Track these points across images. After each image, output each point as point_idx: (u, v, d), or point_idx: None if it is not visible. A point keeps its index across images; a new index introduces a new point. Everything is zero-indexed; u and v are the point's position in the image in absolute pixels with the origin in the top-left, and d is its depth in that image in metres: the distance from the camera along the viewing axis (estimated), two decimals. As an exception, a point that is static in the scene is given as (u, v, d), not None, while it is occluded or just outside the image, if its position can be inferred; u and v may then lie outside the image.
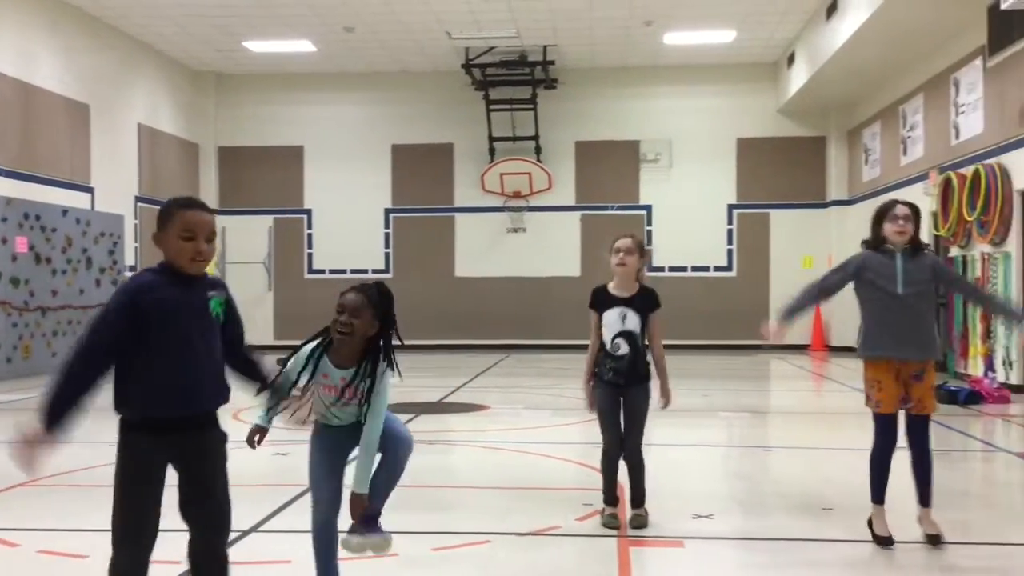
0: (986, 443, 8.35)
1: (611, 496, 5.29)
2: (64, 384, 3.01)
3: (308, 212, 20.41)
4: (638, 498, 5.26)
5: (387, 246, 20.27)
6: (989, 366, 12.17)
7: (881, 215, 4.89)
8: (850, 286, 4.99)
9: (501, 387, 12.92)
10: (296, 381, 3.68)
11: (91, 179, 16.01)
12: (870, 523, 4.91)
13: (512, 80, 19.04)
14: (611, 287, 5.23)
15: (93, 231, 15.77)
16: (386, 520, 3.82)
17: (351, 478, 3.72)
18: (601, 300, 5.22)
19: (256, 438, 3.74)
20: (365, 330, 3.65)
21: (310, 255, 20.36)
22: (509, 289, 19.95)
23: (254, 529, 5.15)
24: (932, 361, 4.87)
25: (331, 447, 3.79)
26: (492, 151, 19.69)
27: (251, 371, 3.47)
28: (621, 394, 5.18)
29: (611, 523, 5.16)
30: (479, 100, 19.36)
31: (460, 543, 4.92)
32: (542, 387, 12.64)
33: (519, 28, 16.75)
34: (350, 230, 20.20)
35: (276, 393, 3.61)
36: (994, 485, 6.97)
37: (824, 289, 5.04)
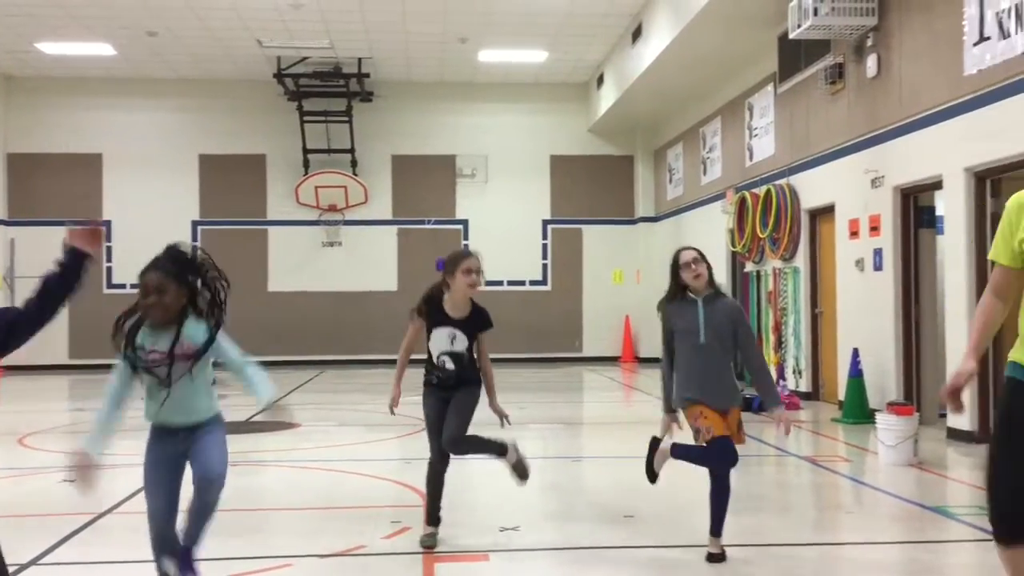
0: (778, 448, 8.84)
1: (433, 515, 5.15)
2: None
3: (107, 223, 19.29)
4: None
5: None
6: (780, 375, 12.91)
7: (675, 266, 4.95)
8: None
9: (314, 404, 12.63)
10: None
11: None
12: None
13: (327, 92, 18.74)
14: (447, 304, 5.08)
15: None
16: (176, 548, 3.63)
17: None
18: (434, 314, 5.08)
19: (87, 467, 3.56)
20: (177, 301, 3.56)
21: (109, 268, 19.24)
22: (324, 304, 19.57)
23: (34, 562, 4.76)
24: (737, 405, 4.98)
25: (163, 458, 3.71)
26: (307, 163, 19.30)
27: None
28: (448, 398, 5.09)
29: (429, 542, 5.06)
30: (292, 111, 18.94)
31: (260, 568, 4.73)
32: (356, 403, 12.45)
33: (333, 39, 16.51)
34: (153, 243, 18.75)
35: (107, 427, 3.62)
36: (785, 488, 7.38)
37: (670, 359, 4.99)
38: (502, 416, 5.19)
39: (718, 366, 4.83)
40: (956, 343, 8.83)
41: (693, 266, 4.84)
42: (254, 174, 19.53)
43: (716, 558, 4.80)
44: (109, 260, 19.22)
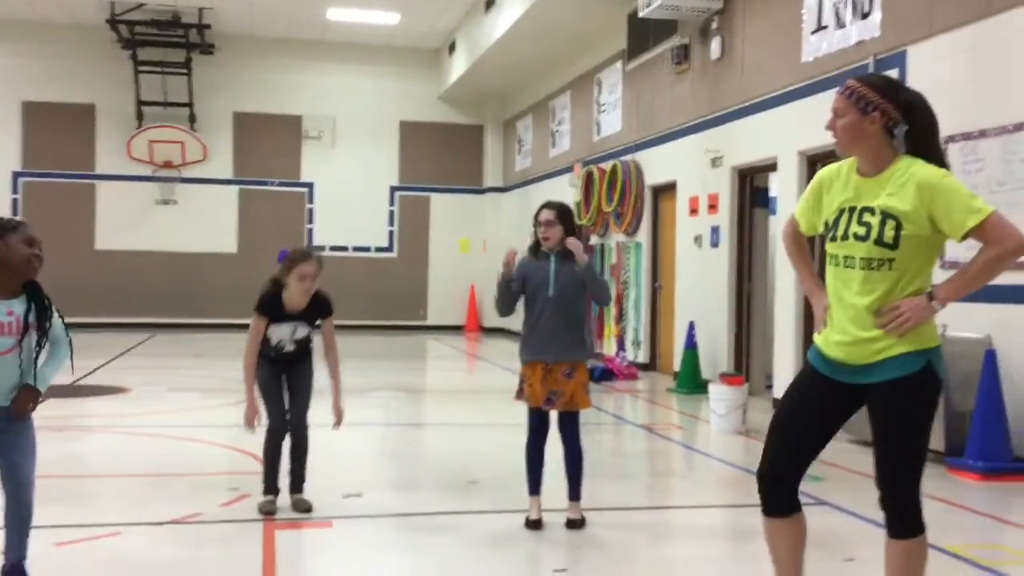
0: (617, 416, 9.09)
1: (271, 484, 5.03)
2: None
3: (-84, 171, 17.84)
4: (298, 482, 5.09)
5: (15, 213, 18.20)
6: (621, 346, 13.30)
7: (533, 220, 4.96)
8: None
9: (145, 368, 12.10)
10: None
11: None
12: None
13: (164, 41, 17.87)
14: (285, 299, 4.96)
15: None
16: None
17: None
18: (272, 311, 4.96)
19: None
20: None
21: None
22: (157, 264, 18.73)
23: None
24: (582, 361, 4.96)
25: None
26: (140, 116, 18.34)
27: None
28: (284, 371, 5.03)
29: (268, 508, 4.94)
30: (126, 60, 17.95)
31: (87, 536, 4.49)
32: (191, 368, 12.00)
33: (173, -14, 15.72)
34: (-31, 194, 17.88)
35: None
36: (622, 455, 7.60)
37: (504, 296, 4.89)
38: (339, 416, 5.04)
39: (565, 319, 4.83)
40: (784, 318, 9.29)
41: (544, 228, 4.86)
42: (82, 125, 18.43)
43: (572, 523, 4.84)
44: (-83, 210, 17.77)
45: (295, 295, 4.94)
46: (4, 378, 3.45)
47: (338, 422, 5.06)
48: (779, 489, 3.20)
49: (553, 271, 4.84)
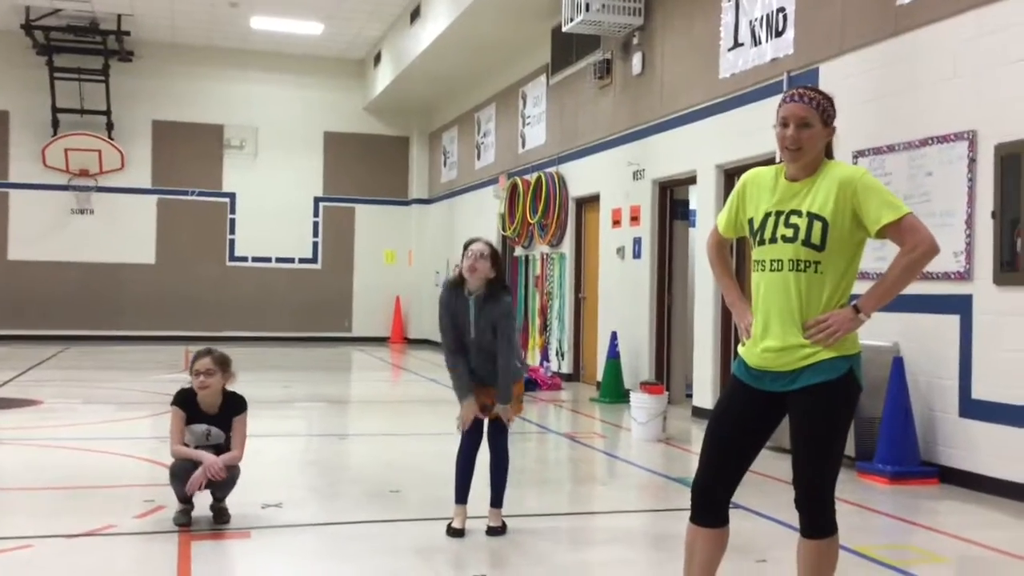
0: (540, 426, 9.15)
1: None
2: None
3: None
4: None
5: (-79, 222, 17.61)
6: (545, 356, 13.38)
7: (463, 250, 4.84)
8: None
9: (58, 380, 11.76)
10: None
11: None
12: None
13: (81, 48, 17.45)
14: (200, 401, 4.94)
15: None
16: None
17: None
18: (187, 408, 4.94)
19: None
20: None
21: None
22: (72, 275, 18.23)
23: None
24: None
25: None
26: (56, 123, 17.87)
27: None
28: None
29: (181, 520, 4.85)
30: (41, 66, 17.48)
31: (-5, 551, 4.36)
32: (107, 380, 11.70)
33: (91, -9, 15.39)
34: None
35: None
36: (545, 463, 7.66)
37: (445, 342, 4.89)
38: (214, 467, 4.83)
39: (489, 353, 4.82)
40: (703, 328, 9.48)
41: (472, 261, 4.71)
42: (-5, 132, 17.88)
43: (492, 531, 4.86)
44: None
45: (203, 396, 4.94)
46: None
47: (214, 470, 4.81)
48: (711, 501, 3.26)
49: (473, 317, 4.79)
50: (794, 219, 3.11)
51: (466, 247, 4.81)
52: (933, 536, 5.18)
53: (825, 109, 3.15)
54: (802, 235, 3.08)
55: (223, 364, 4.98)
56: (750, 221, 3.26)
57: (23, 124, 17.99)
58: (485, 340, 4.80)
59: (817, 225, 3.07)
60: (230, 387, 5.06)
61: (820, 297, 3.10)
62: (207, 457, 4.81)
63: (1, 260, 17.93)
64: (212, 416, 4.98)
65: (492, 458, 4.97)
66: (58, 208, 18.23)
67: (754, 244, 3.23)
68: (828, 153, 3.21)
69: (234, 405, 5.04)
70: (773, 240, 3.14)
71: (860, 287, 3.19)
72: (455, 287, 4.85)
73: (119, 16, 16.75)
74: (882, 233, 3.08)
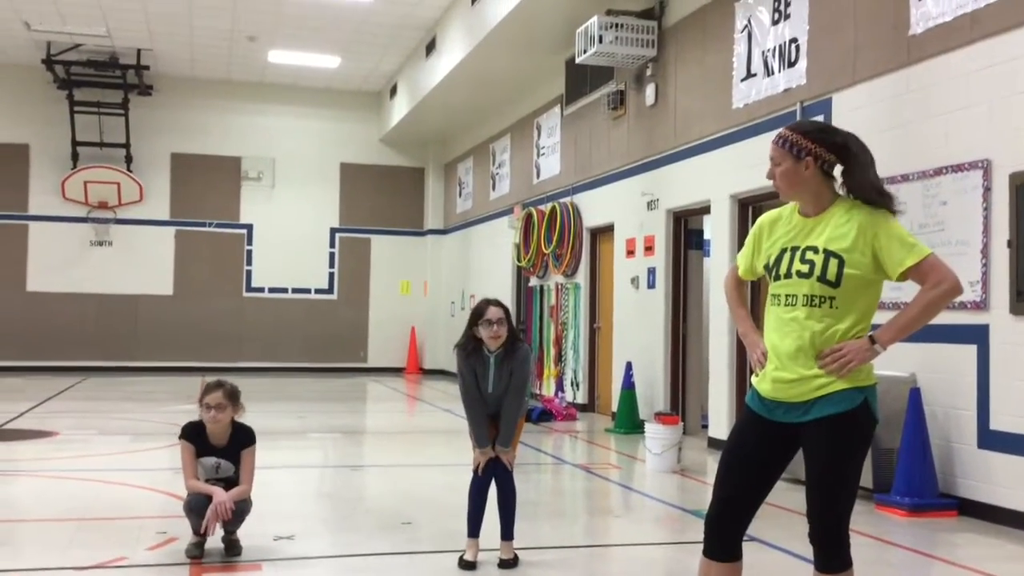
0: (555, 457, 9.10)
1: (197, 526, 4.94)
2: None
3: None
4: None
5: (-58, 254, 17.80)
6: (560, 387, 13.34)
7: (476, 317, 4.85)
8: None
9: (75, 412, 11.81)
10: None
11: None
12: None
13: (101, 82, 17.67)
14: (209, 433, 4.96)
15: None
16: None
17: None
18: (196, 441, 4.96)
19: None
20: None
21: None
22: (91, 306, 18.36)
23: None
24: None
25: None
26: (76, 156, 18.08)
27: None
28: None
29: (193, 552, 4.84)
30: (62, 100, 17.73)
31: (6, 584, 4.36)
32: (123, 412, 11.74)
33: (110, 27, 15.60)
34: None
35: None
36: (560, 494, 7.61)
37: (468, 401, 4.92)
38: (222, 506, 4.80)
39: (498, 407, 4.92)
40: (718, 358, 9.43)
41: (495, 327, 4.77)
42: (15, 165, 18.09)
43: (505, 564, 4.83)
44: None
45: (212, 428, 4.95)
46: None
47: (222, 509, 4.77)
48: (725, 535, 3.23)
49: (492, 374, 4.86)
50: (810, 255, 3.12)
51: (479, 314, 4.81)
52: (952, 570, 5.10)
53: (794, 144, 3.16)
54: (817, 271, 3.08)
55: (233, 397, 4.99)
56: (766, 259, 3.27)
57: (43, 157, 18.21)
58: (501, 389, 4.88)
59: (833, 262, 3.07)
60: (238, 419, 5.07)
61: (835, 333, 3.08)
62: (218, 494, 4.79)
63: (20, 292, 18.09)
64: (221, 448, 4.98)
65: (499, 495, 4.97)
66: (77, 240, 18.41)
67: (770, 279, 3.23)
68: (859, 184, 3.16)
69: (243, 437, 5.04)
70: (788, 275, 3.15)
71: (879, 317, 3.17)
72: (474, 352, 4.87)
73: (139, 51, 16.98)
74: (904, 276, 3.07)
